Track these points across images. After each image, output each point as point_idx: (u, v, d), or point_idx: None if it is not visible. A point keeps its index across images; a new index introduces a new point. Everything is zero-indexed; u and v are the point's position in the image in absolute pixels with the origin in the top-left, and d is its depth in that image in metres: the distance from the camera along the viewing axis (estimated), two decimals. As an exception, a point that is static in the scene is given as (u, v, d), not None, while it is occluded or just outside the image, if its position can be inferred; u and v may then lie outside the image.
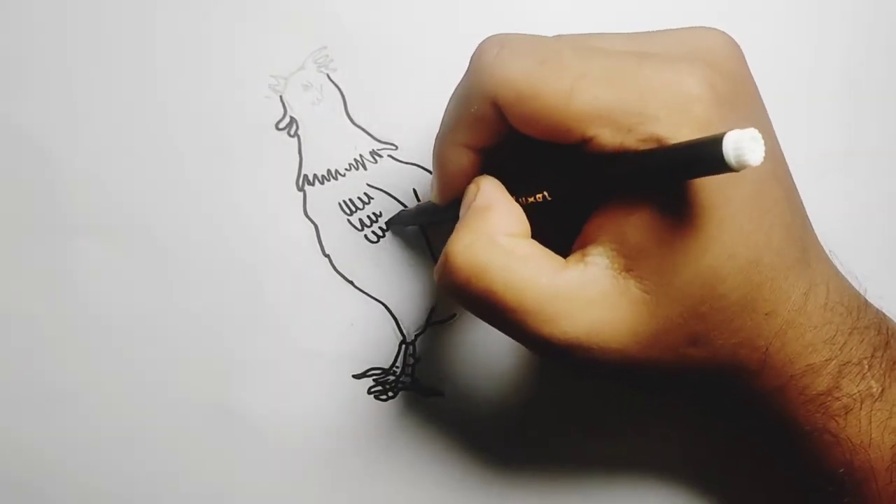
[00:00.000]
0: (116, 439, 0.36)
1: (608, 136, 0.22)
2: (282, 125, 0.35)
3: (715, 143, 0.19)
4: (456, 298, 0.25)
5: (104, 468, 0.36)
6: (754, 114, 0.25)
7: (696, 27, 0.26)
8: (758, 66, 0.36)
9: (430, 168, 0.35)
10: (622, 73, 0.23)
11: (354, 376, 0.36)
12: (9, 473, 0.36)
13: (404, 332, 0.36)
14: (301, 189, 0.35)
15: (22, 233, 0.35)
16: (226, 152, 0.35)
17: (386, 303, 0.36)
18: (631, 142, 0.22)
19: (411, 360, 0.36)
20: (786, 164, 0.27)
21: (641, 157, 0.22)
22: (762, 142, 0.19)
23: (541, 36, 0.25)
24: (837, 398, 0.26)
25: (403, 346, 0.36)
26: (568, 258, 0.25)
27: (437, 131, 0.27)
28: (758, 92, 0.26)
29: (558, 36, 0.25)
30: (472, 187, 0.27)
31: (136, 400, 0.36)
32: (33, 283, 0.35)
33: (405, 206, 0.35)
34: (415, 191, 0.35)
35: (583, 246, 0.25)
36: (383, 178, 0.35)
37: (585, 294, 0.24)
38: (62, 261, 0.35)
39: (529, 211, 0.26)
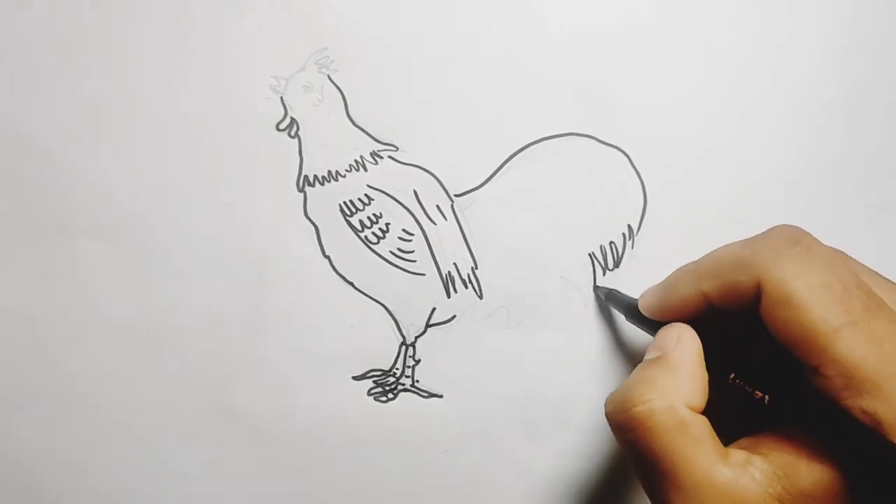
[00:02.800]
0: (116, 439, 0.36)
1: (835, 385, 0.23)
2: (282, 126, 0.35)
3: None
4: (618, 436, 0.27)
5: (104, 468, 0.36)
6: None
7: None
8: (758, 66, 0.36)
9: (430, 169, 0.35)
10: (893, 345, 0.22)
11: (354, 378, 0.36)
12: (9, 473, 0.36)
13: (404, 333, 0.36)
14: (301, 190, 0.35)
15: (23, 233, 0.35)
16: (226, 153, 0.35)
17: (386, 304, 0.36)
18: (852, 403, 0.22)
19: (411, 362, 0.36)
20: None
21: (864, 431, 0.22)
22: None
23: (839, 254, 0.25)
24: None
25: (403, 347, 0.36)
26: (731, 449, 0.26)
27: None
28: None
29: (852, 262, 0.26)
30: (672, 333, 0.28)
31: (136, 400, 0.36)
32: (34, 283, 0.35)
33: (406, 207, 0.35)
34: (415, 192, 0.35)
35: (753, 447, 0.25)
36: (384, 179, 0.35)
37: (730, 498, 0.24)
38: (63, 261, 0.35)
39: (720, 385, 0.27)
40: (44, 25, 0.34)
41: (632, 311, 0.32)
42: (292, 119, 0.35)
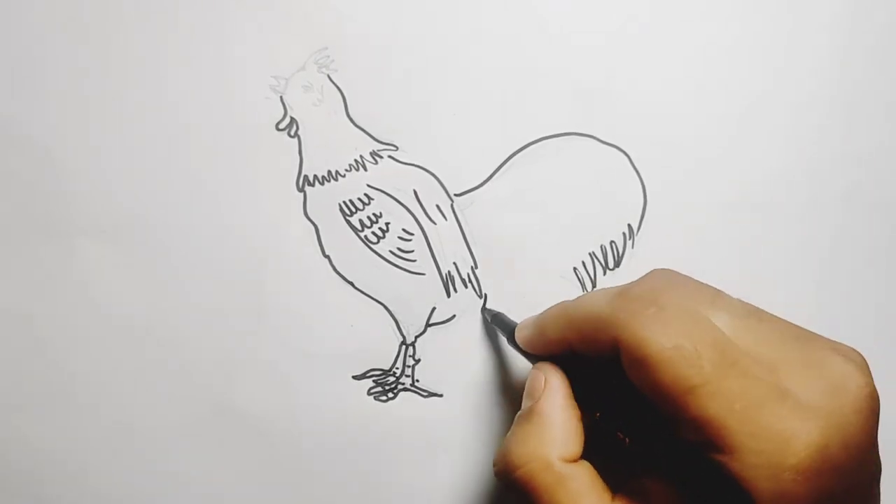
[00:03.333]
0: (116, 439, 0.36)
1: (692, 439, 0.23)
2: (282, 126, 0.35)
3: None
4: (506, 489, 0.28)
5: (104, 467, 0.36)
6: (857, 485, 0.24)
7: (842, 362, 0.25)
8: (758, 66, 0.36)
9: (430, 169, 0.35)
10: (747, 403, 0.23)
11: (354, 377, 0.36)
12: (9, 473, 0.36)
13: (404, 333, 0.36)
14: (301, 190, 0.35)
15: (24, 233, 0.35)
16: (226, 153, 0.35)
17: (386, 304, 0.36)
18: (711, 456, 0.23)
19: (411, 362, 0.36)
20: None
21: (724, 486, 0.23)
22: None
23: (696, 311, 0.25)
24: None
25: (403, 347, 0.36)
26: (615, 499, 0.26)
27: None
28: (872, 455, 0.25)
29: (720, 307, 0.26)
30: (539, 378, 0.29)
31: (136, 399, 0.36)
32: (34, 283, 0.35)
33: (406, 207, 0.35)
34: (415, 192, 0.35)
35: (637, 493, 0.26)
36: (383, 179, 0.35)
37: None
38: (63, 261, 0.35)
39: (591, 420, 0.27)
40: (44, 25, 0.34)
41: (511, 337, 0.33)
42: (292, 119, 0.35)
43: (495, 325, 0.35)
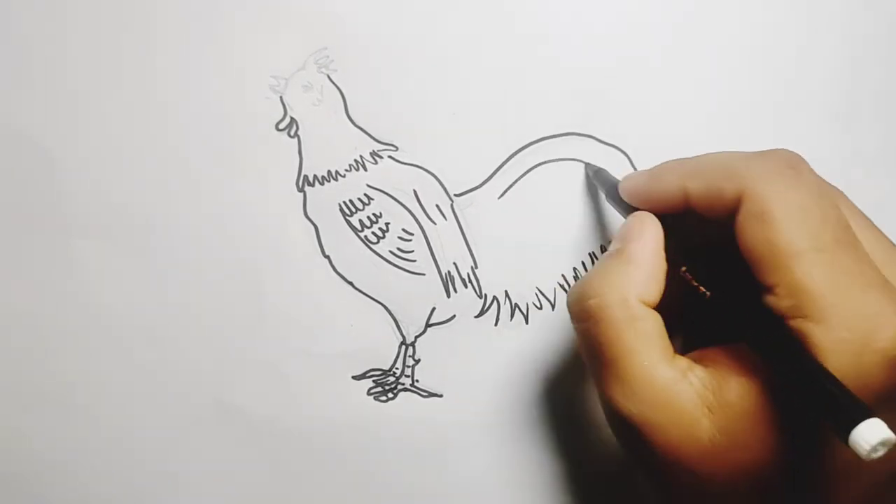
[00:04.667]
0: (116, 439, 0.36)
1: (783, 306, 0.23)
2: (282, 126, 0.35)
3: (852, 415, 0.19)
4: (574, 325, 0.28)
5: (104, 468, 0.36)
6: None
7: None
8: (758, 65, 0.36)
9: (430, 169, 0.35)
10: (852, 281, 0.23)
11: (354, 377, 0.36)
12: (9, 472, 0.36)
13: (404, 333, 0.36)
14: (301, 190, 0.35)
15: (23, 233, 0.35)
16: (226, 153, 0.35)
17: (386, 304, 0.36)
18: (796, 324, 0.23)
19: (411, 362, 0.36)
20: None
21: (804, 353, 0.23)
22: (886, 449, 0.19)
23: (832, 189, 0.26)
24: None
25: (403, 347, 0.36)
26: (679, 357, 0.26)
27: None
28: None
29: (846, 202, 0.27)
30: (635, 224, 0.28)
31: (136, 399, 0.36)
32: (34, 283, 0.35)
33: (406, 207, 0.35)
34: (415, 192, 0.35)
35: (699, 359, 0.26)
36: (383, 178, 0.35)
37: (666, 397, 0.25)
38: (63, 261, 0.35)
39: (675, 279, 0.27)
40: (44, 25, 0.34)
41: (612, 191, 0.32)
42: (292, 119, 0.35)
43: (596, 180, 0.34)
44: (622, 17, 0.36)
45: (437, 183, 0.36)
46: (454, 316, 0.36)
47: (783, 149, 0.26)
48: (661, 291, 0.27)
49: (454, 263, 0.36)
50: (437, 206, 0.36)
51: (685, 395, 0.25)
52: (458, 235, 0.36)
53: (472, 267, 0.36)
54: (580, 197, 0.36)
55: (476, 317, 0.36)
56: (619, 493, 0.37)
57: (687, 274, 0.27)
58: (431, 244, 0.36)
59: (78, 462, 0.36)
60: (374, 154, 0.35)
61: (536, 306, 0.36)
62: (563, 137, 0.36)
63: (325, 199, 0.35)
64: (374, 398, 0.36)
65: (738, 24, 0.36)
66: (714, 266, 0.26)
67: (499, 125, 0.35)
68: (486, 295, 0.36)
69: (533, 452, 0.37)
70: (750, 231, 0.24)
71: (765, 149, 0.27)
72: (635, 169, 0.36)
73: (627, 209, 0.30)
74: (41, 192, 0.35)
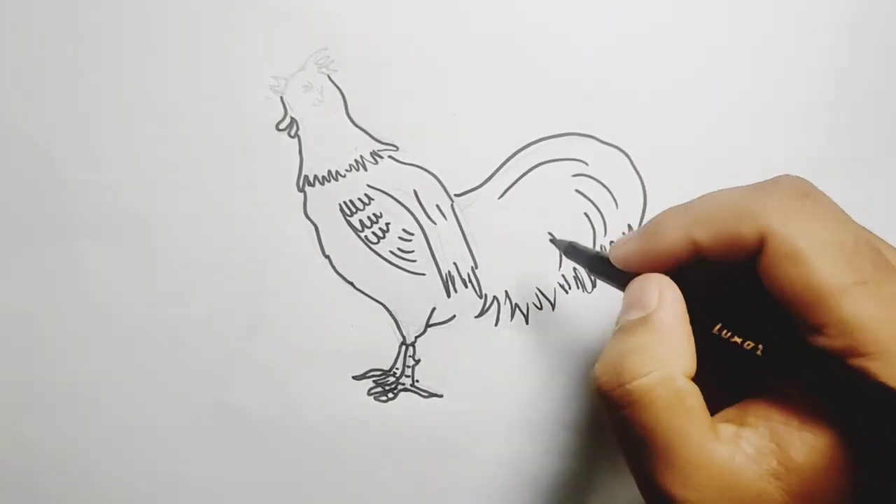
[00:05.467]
0: (117, 439, 0.36)
1: (836, 344, 0.22)
2: (282, 126, 0.35)
3: None
4: (609, 411, 0.25)
5: (104, 467, 0.36)
6: None
7: None
8: (759, 66, 0.36)
9: (430, 169, 0.35)
10: None
11: (354, 377, 0.36)
12: (9, 472, 0.36)
13: (404, 333, 0.36)
14: (301, 190, 0.35)
15: (24, 233, 0.35)
16: (226, 153, 0.35)
17: (386, 304, 0.36)
18: (854, 361, 0.21)
19: (411, 362, 0.36)
20: None
21: (871, 392, 0.21)
22: None
23: (844, 212, 0.24)
24: None
25: (403, 347, 0.36)
26: (721, 424, 0.24)
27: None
28: None
29: (859, 226, 0.25)
30: (652, 287, 0.25)
31: (136, 399, 0.36)
32: (35, 283, 0.35)
33: (406, 207, 0.35)
34: (415, 192, 0.35)
35: (740, 419, 0.24)
36: (384, 179, 0.35)
37: (726, 478, 0.23)
38: (63, 261, 0.35)
39: (705, 339, 0.25)
40: (44, 25, 0.34)
41: (598, 263, 0.29)
42: (292, 119, 0.35)
43: (569, 255, 0.31)
44: (622, 18, 0.36)
45: (437, 183, 0.36)
46: (454, 316, 0.36)
47: (788, 176, 0.25)
48: (696, 361, 0.24)
49: (454, 263, 0.36)
50: (438, 206, 0.36)
51: (745, 470, 0.22)
52: (459, 235, 0.36)
53: (472, 267, 0.36)
54: (580, 197, 0.36)
55: (476, 317, 0.36)
56: (619, 494, 0.37)
57: (725, 332, 0.24)
58: (431, 244, 0.36)
59: (78, 462, 0.36)
60: (374, 154, 0.35)
61: (536, 306, 0.36)
62: (564, 137, 0.36)
63: (326, 199, 0.35)
64: (375, 398, 0.36)
65: (739, 26, 0.36)
66: (738, 313, 0.25)
67: (499, 125, 0.35)
68: (486, 295, 0.36)
69: (533, 452, 0.37)
70: (784, 273, 0.22)
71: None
72: (635, 169, 0.36)
73: (624, 277, 0.27)
74: (41, 193, 0.35)
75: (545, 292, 0.36)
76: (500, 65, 0.35)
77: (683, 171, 0.36)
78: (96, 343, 0.35)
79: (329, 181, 0.35)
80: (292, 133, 0.35)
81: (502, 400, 0.36)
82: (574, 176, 0.36)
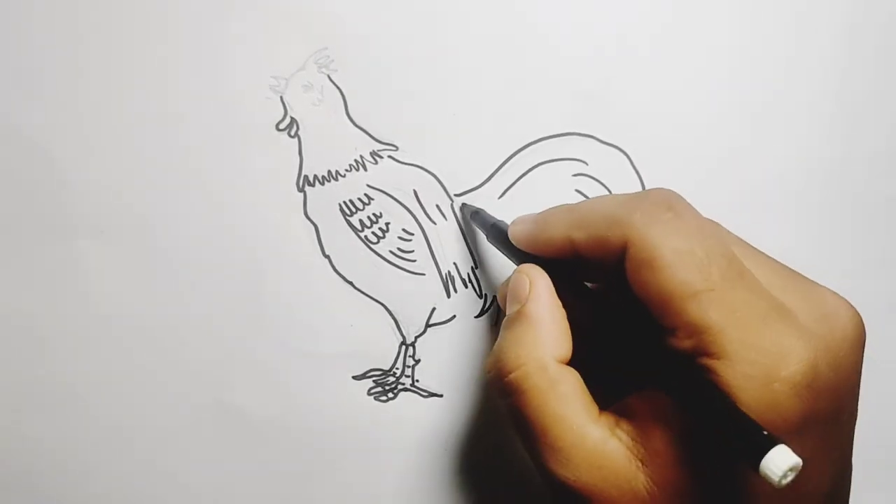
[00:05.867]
0: (116, 439, 0.36)
1: (685, 345, 0.24)
2: (282, 126, 0.35)
3: (761, 445, 0.20)
4: (500, 401, 0.28)
5: (104, 467, 0.36)
6: (841, 409, 0.25)
7: (833, 295, 0.26)
8: (759, 65, 0.36)
9: (430, 169, 0.35)
10: (749, 314, 0.23)
11: (354, 377, 0.36)
12: (9, 473, 0.36)
13: (404, 333, 0.36)
14: (301, 190, 0.35)
15: (23, 233, 0.35)
16: (226, 153, 0.35)
17: (386, 304, 0.36)
18: (701, 361, 0.23)
19: (411, 362, 0.36)
20: (848, 465, 0.27)
21: (711, 390, 0.23)
22: (797, 471, 0.19)
23: (711, 224, 0.26)
24: None
25: (403, 347, 0.36)
26: (604, 413, 0.26)
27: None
28: (857, 383, 0.26)
29: (724, 233, 0.27)
30: (522, 279, 0.28)
31: (136, 400, 0.36)
32: (34, 283, 0.35)
33: (406, 207, 0.35)
34: (415, 192, 0.35)
35: (623, 411, 0.26)
36: (384, 178, 0.35)
37: (599, 459, 0.25)
38: (62, 261, 0.35)
39: (579, 318, 0.27)
40: (44, 25, 0.34)
41: (497, 233, 0.32)
42: (292, 119, 0.35)
43: (475, 222, 0.34)
44: (623, 18, 0.36)
45: (437, 183, 0.36)
46: (454, 316, 0.36)
47: (660, 189, 0.27)
48: (570, 345, 0.27)
49: (454, 263, 0.36)
50: (438, 206, 0.36)
51: (617, 453, 0.25)
52: (458, 235, 0.36)
53: (472, 267, 0.36)
54: (580, 197, 0.36)
55: (476, 317, 0.36)
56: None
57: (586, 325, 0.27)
58: (431, 244, 0.36)
59: (78, 462, 0.36)
60: (374, 154, 0.35)
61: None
62: (564, 137, 0.36)
63: (326, 199, 0.35)
64: (375, 398, 0.36)
65: (739, 26, 0.36)
66: (610, 310, 0.27)
67: (499, 125, 0.35)
68: (486, 295, 0.36)
69: (533, 452, 0.37)
70: (641, 278, 0.24)
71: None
72: (635, 169, 0.36)
73: (516, 253, 0.30)
74: (41, 193, 0.35)
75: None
76: (500, 65, 0.35)
77: (683, 171, 0.36)
78: (96, 343, 0.35)
79: (329, 181, 0.35)
80: (292, 133, 0.35)
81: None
82: (574, 176, 0.36)
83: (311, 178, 0.35)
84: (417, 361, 0.36)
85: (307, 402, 0.36)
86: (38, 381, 0.36)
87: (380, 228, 0.35)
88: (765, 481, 0.20)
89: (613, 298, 0.27)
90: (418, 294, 0.36)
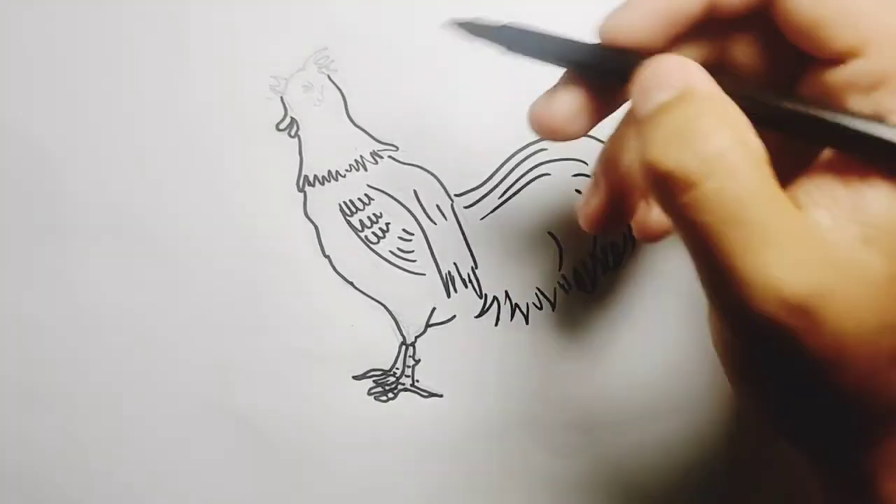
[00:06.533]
0: (116, 439, 0.36)
1: (880, 64, 0.19)
2: (282, 126, 0.35)
3: None
4: (672, 196, 0.19)
5: (104, 468, 0.36)
6: None
7: None
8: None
9: (430, 169, 0.35)
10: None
11: (354, 377, 0.36)
12: (9, 473, 0.36)
13: (404, 333, 0.36)
14: (301, 190, 0.35)
15: (23, 233, 0.35)
16: (226, 153, 0.35)
17: (386, 304, 0.36)
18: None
19: (411, 362, 0.36)
20: None
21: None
22: None
23: None
24: None
25: (403, 347, 0.36)
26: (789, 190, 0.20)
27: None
28: None
29: None
30: (672, 64, 0.21)
31: (136, 400, 0.36)
32: (34, 283, 0.35)
33: (406, 207, 0.35)
34: (415, 192, 0.35)
35: (795, 199, 0.20)
36: (384, 179, 0.35)
37: (825, 251, 0.19)
38: (62, 261, 0.35)
39: None
40: (44, 25, 0.34)
41: (568, 51, 0.24)
42: (292, 119, 0.35)
43: (479, 34, 0.26)
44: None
45: (437, 183, 0.36)
46: (454, 316, 0.36)
47: None
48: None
49: (454, 263, 0.36)
50: (438, 206, 0.36)
51: (840, 237, 0.19)
52: (458, 235, 0.36)
53: (472, 267, 0.36)
54: (580, 198, 0.36)
55: (476, 317, 0.36)
56: (619, 494, 0.37)
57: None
58: (431, 244, 0.36)
59: (78, 462, 0.36)
60: (374, 154, 0.35)
61: (536, 306, 0.36)
62: (564, 137, 0.36)
63: (326, 199, 0.35)
64: (375, 398, 0.36)
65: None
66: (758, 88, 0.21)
67: (499, 125, 0.35)
68: (486, 295, 0.36)
69: (533, 453, 0.37)
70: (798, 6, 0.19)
71: None
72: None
73: (611, 58, 0.22)
74: (41, 192, 0.35)
75: (545, 292, 0.36)
76: (500, 64, 0.35)
77: (683, 171, 0.36)
78: (96, 343, 0.35)
79: (329, 181, 0.35)
80: (292, 133, 0.35)
81: (502, 400, 0.36)
82: (574, 176, 0.36)
83: (311, 178, 0.35)
84: (417, 361, 0.36)
85: (307, 402, 0.36)
86: (38, 381, 0.36)
87: (380, 228, 0.36)
88: None
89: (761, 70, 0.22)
90: (418, 294, 0.36)
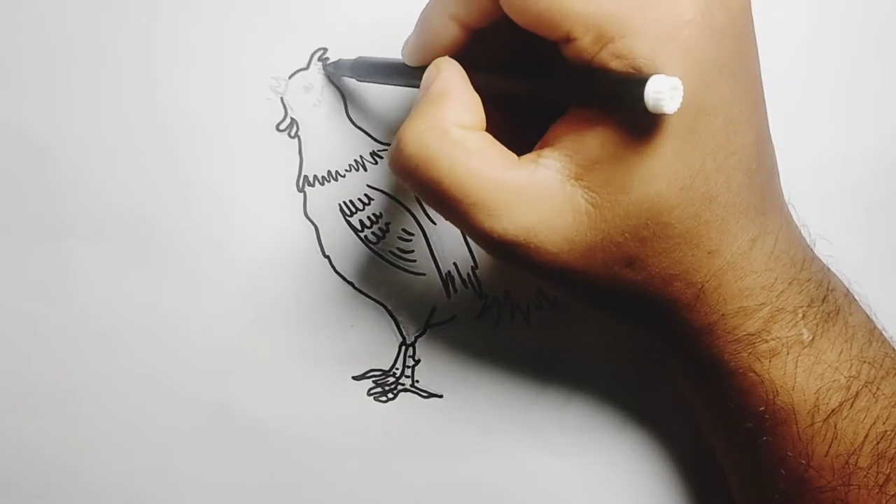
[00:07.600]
0: (116, 439, 0.36)
1: (587, 44, 0.23)
2: (282, 126, 0.35)
3: (639, 83, 0.20)
4: (405, 183, 0.26)
5: (103, 468, 0.36)
6: (744, 50, 0.24)
7: None
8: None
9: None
10: None
11: (354, 378, 0.36)
12: (8, 473, 0.36)
13: (404, 333, 0.36)
14: (301, 190, 0.35)
15: (21, 233, 0.35)
16: (226, 153, 0.35)
17: (386, 304, 0.36)
18: (606, 56, 0.22)
19: (411, 362, 0.36)
20: (764, 113, 0.27)
21: (605, 74, 0.22)
22: (681, 91, 0.20)
23: None
24: (766, 340, 0.26)
25: (403, 347, 0.36)
26: (522, 157, 0.25)
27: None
28: (752, 28, 0.25)
29: None
30: (431, 69, 0.27)
31: (135, 400, 0.36)
32: (33, 283, 0.35)
33: (406, 207, 0.35)
34: (415, 192, 0.35)
35: (541, 146, 0.25)
36: (384, 179, 0.35)
37: (530, 193, 0.24)
38: (62, 261, 0.35)
39: (492, 103, 0.26)
40: (44, 25, 0.34)
41: (389, 69, 0.30)
42: (292, 119, 0.35)
43: (338, 71, 0.33)
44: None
45: (437, 183, 0.36)
46: (454, 316, 0.36)
47: None
48: (482, 118, 0.25)
49: (454, 263, 0.36)
50: (438, 206, 0.36)
51: (547, 180, 0.24)
52: (459, 235, 0.36)
53: (472, 267, 0.36)
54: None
55: (476, 317, 0.36)
56: (620, 494, 0.37)
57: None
58: (431, 244, 0.36)
59: (76, 464, 0.36)
60: (374, 154, 0.35)
61: (537, 306, 0.36)
62: (563, 137, 0.36)
63: (326, 200, 0.35)
64: (374, 398, 0.36)
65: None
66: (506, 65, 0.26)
67: (499, 125, 0.35)
68: (486, 295, 0.36)
69: (533, 453, 0.37)
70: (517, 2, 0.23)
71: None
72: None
73: (418, 76, 0.28)
74: (41, 192, 0.35)
75: (545, 292, 0.36)
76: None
77: (683, 171, 0.36)
78: (96, 343, 0.35)
79: (329, 181, 0.35)
80: (292, 133, 0.35)
81: (502, 400, 0.36)
82: (574, 176, 0.36)
83: (311, 179, 0.35)
84: (417, 362, 0.36)
85: (307, 402, 0.36)
86: (37, 381, 0.36)
87: (380, 228, 0.36)
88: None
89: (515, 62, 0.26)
90: (418, 294, 0.36)
